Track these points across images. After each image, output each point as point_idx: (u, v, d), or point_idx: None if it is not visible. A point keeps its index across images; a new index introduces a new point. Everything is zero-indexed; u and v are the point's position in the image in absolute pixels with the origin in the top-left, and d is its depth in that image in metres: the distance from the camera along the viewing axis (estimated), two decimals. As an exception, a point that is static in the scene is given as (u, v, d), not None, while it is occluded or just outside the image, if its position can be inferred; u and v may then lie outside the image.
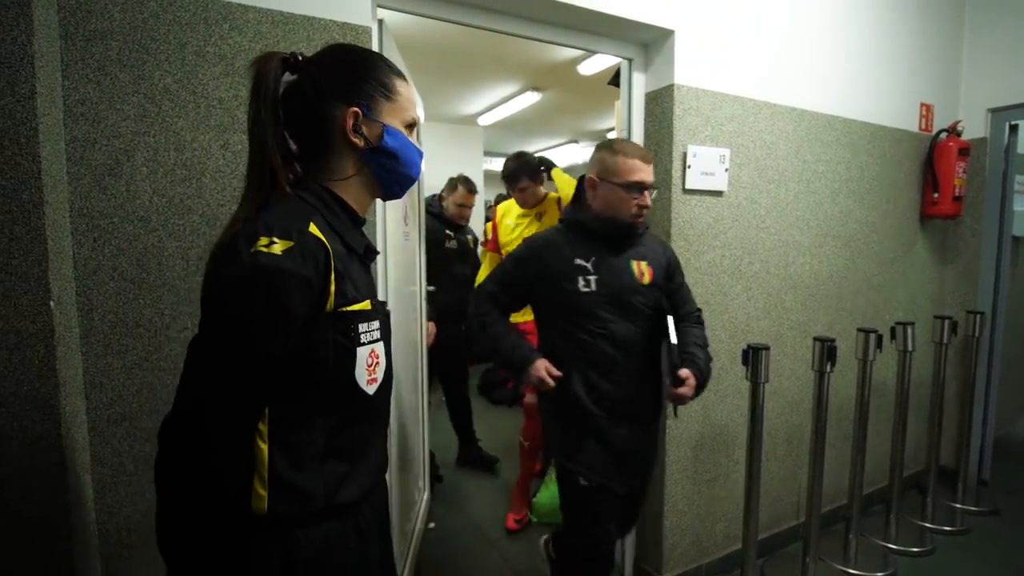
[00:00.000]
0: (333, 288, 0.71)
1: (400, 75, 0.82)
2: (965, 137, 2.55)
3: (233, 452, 0.67)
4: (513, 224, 2.62)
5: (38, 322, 0.95)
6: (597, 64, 3.99)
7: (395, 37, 1.61)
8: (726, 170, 1.87)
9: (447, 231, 2.80)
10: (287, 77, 0.77)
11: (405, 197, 1.98)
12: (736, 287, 1.96)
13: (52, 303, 0.95)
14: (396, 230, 1.74)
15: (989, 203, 2.58)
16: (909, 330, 2.19)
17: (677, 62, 1.76)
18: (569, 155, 7.73)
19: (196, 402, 0.67)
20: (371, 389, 0.76)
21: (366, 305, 0.75)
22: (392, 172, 0.82)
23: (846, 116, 2.23)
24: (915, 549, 2.19)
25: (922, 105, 2.53)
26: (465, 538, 2.28)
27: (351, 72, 0.79)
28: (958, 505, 2.50)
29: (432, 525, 2.31)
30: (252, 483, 0.68)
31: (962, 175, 2.48)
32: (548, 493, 2.34)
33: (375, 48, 1.40)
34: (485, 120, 5.95)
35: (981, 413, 2.65)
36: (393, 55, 1.59)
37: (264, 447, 0.68)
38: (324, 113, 0.77)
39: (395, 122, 0.81)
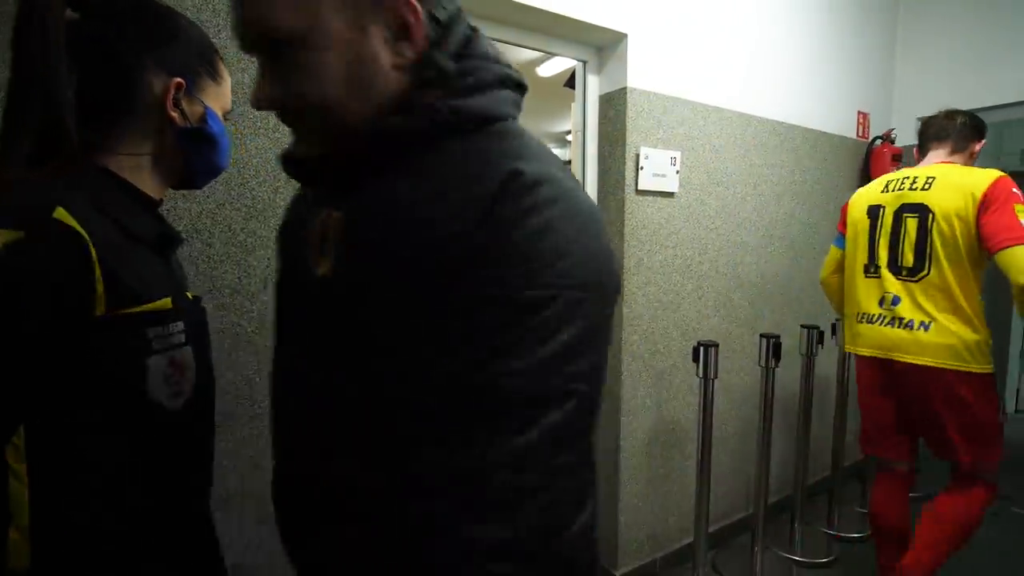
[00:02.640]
0: (101, 287, 0.56)
1: (221, 58, 0.75)
2: (898, 144, 2.71)
3: None
4: None
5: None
6: (556, 66, 4.02)
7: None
8: (677, 172, 1.93)
9: None
10: (68, 14, 0.62)
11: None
12: (687, 286, 2.02)
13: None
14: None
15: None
16: (848, 326, 2.30)
17: (630, 65, 1.80)
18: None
19: None
20: (175, 404, 0.63)
21: (163, 304, 0.62)
22: (208, 160, 0.73)
23: (790, 122, 2.33)
24: (856, 535, 2.30)
25: (859, 113, 2.67)
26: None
27: (172, 35, 0.68)
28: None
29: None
30: (5, 533, 0.54)
31: (895, 180, 2.63)
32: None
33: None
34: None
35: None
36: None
37: (20, 485, 0.54)
38: (133, 74, 0.64)
39: (216, 107, 0.73)
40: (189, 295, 0.71)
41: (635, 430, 1.92)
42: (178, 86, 0.66)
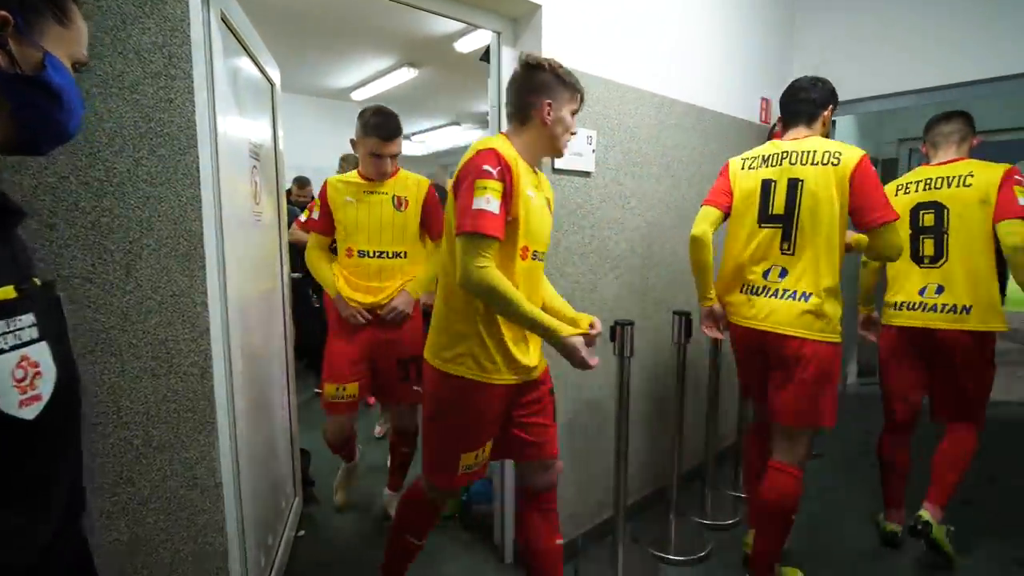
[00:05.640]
0: None
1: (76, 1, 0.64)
2: (795, 130, 2.87)
3: None
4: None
5: None
6: (474, 42, 3.90)
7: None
8: (593, 151, 1.90)
9: None
10: None
11: (257, 168, 1.80)
12: (604, 266, 2.02)
13: None
14: (242, 208, 1.53)
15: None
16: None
17: (545, 38, 1.73)
18: (451, 137, 7.60)
19: None
20: (29, 412, 0.55)
21: (3, 293, 0.54)
22: (47, 119, 0.62)
23: (700, 105, 2.39)
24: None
25: (762, 99, 2.80)
26: (339, 543, 2.13)
27: None
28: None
29: (302, 533, 2.14)
30: None
31: (793, 163, 2.79)
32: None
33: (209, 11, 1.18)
34: (360, 95, 5.61)
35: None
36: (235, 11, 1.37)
37: None
38: None
39: (62, 55, 0.62)
40: (37, 281, 0.60)
41: (557, 413, 1.90)
42: (3, 20, 0.55)
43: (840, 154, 1.57)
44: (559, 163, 1.79)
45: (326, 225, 2.04)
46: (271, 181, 1.97)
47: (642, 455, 2.32)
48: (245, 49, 1.61)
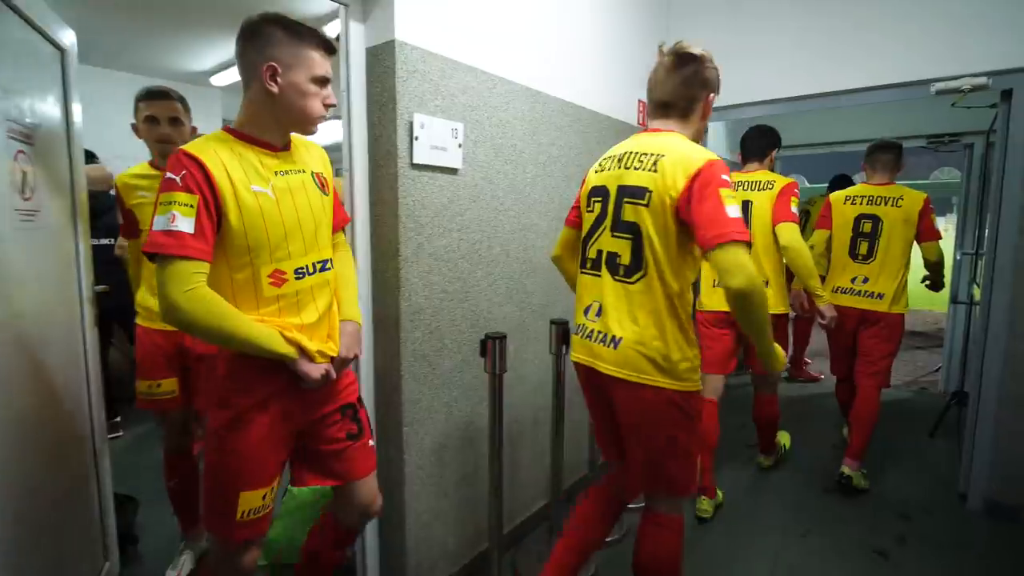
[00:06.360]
0: None
1: None
2: (671, 134, 2.91)
3: None
4: None
5: None
6: (337, 25, 3.57)
7: None
8: (460, 146, 1.72)
9: None
10: None
11: (26, 154, 1.38)
12: (476, 273, 1.85)
13: None
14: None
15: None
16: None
17: (398, 15, 1.51)
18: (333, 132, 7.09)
19: None
20: None
21: None
22: None
23: (577, 103, 2.30)
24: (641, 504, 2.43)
25: (639, 101, 2.79)
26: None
27: None
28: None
29: (112, 607, 1.73)
30: None
31: (670, 167, 2.82)
32: (282, 524, 1.95)
33: None
34: (220, 80, 4.98)
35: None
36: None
37: None
38: None
39: None
40: None
41: (422, 439, 1.69)
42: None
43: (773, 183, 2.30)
44: (418, 157, 1.58)
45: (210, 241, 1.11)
46: (60, 172, 1.56)
47: (526, 473, 2.18)
48: (6, 3, 1.22)
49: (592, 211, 1.41)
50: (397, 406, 1.62)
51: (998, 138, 2.26)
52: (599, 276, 1.35)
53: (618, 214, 1.31)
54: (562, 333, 1.87)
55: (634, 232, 1.28)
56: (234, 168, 1.10)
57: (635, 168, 1.29)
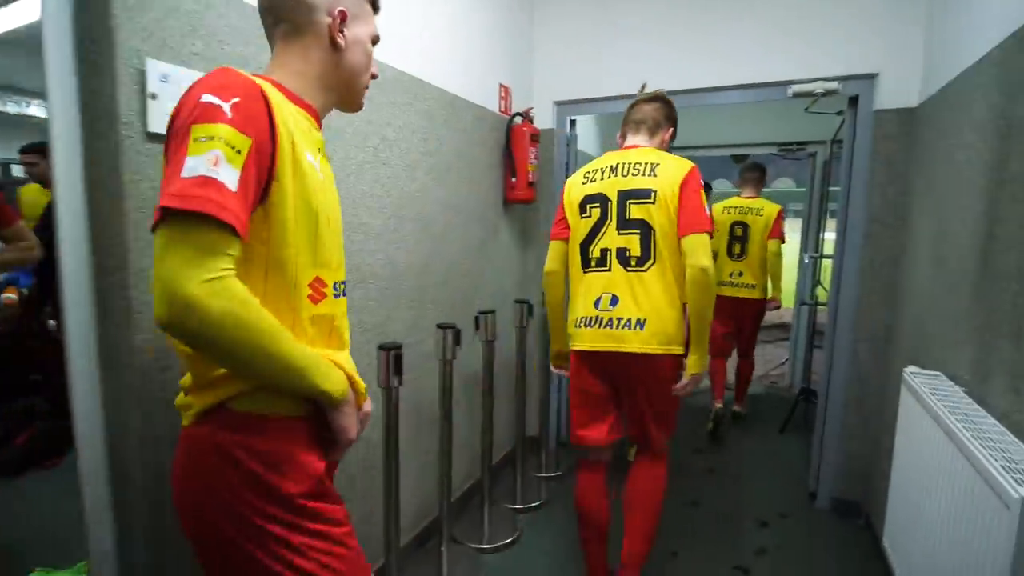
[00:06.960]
0: None
1: None
2: (537, 125, 2.64)
3: None
4: None
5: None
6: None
7: None
8: (238, 114, 1.25)
9: None
10: None
11: None
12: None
13: None
14: None
15: (557, 192, 2.78)
16: (490, 319, 2.07)
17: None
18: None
19: None
20: None
21: None
22: None
23: (423, 78, 1.91)
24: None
25: (501, 86, 2.48)
26: None
27: None
28: (542, 473, 2.67)
29: None
30: None
31: (534, 161, 2.56)
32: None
33: None
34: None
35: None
36: None
37: None
38: None
39: None
40: None
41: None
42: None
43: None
44: (155, 124, 1.08)
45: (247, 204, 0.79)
46: None
47: (418, 481, 1.75)
48: None
49: (590, 216, 1.60)
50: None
51: (845, 144, 2.28)
52: (608, 271, 1.56)
53: (623, 214, 1.55)
54: (394, 360, 1.49)
55: (642, 227, 1.53)
56: (293, 123, 0.76)
57: (634, 175, 1.55)
